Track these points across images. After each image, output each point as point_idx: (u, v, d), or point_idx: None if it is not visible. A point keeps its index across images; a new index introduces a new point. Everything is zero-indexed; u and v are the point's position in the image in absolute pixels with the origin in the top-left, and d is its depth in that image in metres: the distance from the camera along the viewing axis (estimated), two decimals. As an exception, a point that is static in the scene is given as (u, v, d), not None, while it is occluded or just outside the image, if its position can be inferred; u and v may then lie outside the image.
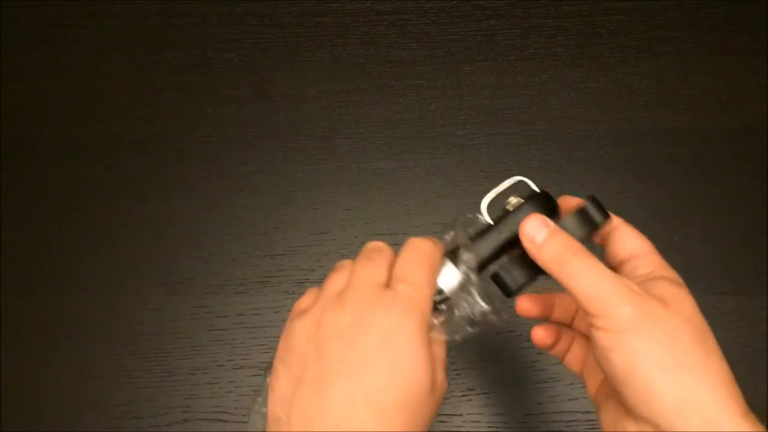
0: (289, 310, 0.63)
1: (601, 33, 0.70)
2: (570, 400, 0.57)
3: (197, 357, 0.60)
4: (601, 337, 0.32)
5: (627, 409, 0.33)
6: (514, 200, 0.38)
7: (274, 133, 0.67)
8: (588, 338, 0.41)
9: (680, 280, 0.35)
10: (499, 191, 0.39)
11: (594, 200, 0.37)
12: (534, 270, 0.36)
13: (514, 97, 0.68)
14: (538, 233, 0.35)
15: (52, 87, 0.70)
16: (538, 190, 0.38)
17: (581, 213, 0.37)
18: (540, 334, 0.42)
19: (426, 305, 0.34)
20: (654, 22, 0.70)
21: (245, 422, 0.58)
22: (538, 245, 0.35)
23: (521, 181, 0.39)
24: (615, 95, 0.67)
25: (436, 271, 0.36)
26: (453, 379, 0.59)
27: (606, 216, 0.37)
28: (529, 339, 0.59)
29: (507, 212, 0.38)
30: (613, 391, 0.35)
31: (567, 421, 0.57)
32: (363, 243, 0.62)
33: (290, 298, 0.62)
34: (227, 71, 0.70)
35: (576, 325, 0.43)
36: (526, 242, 0.35)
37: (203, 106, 0.69)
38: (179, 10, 0.72)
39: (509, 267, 0.37)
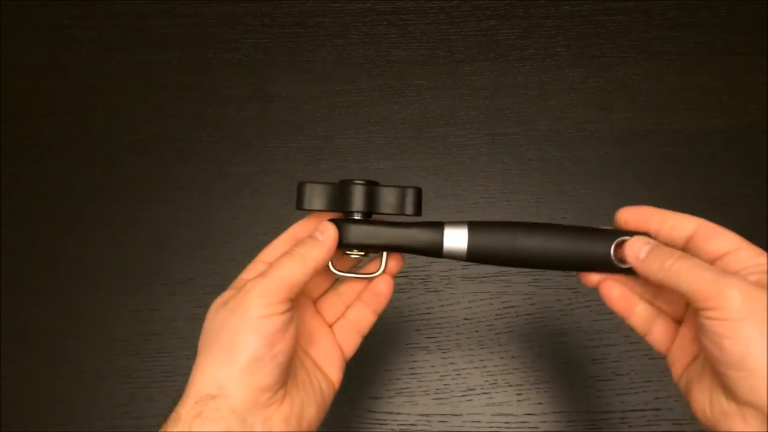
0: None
1: (601, 33, 0.70)
2: (570, 400, 0.57)
3: (197, 357, 0.60)
4: (715, 325, 0.33)
5: (729, 392, 0.34)
6: None
7: (274, 133, 0.67)
8: (673, 319, 0.41)
9: None
10: None
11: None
12: None
13: (514, 97, 0.68)
14: (641, 251, 0.38)
15: (52, 87, 0.70)
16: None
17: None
18: (615, 293, 0.40)
19: None
20: (654, 22, 0.70)
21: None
22: (642, 261, 0.37)
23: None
24: (615, 95, 0.67)
25: None
26: (453, 379, 0.59)
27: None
28: (529, 339, 0.60)
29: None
30: (705, 372, 0.36)
31: (567, 422, 0.57)
32: (363, 243, 0.63)
33: (290, 298, 0.62)
34: (227, 71, 0.70)
35: (659, 303, 0.42)
36: (632, 260, 0.38)
37: (203, 106, 0.69)
38: (179, 10, 0.72)
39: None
